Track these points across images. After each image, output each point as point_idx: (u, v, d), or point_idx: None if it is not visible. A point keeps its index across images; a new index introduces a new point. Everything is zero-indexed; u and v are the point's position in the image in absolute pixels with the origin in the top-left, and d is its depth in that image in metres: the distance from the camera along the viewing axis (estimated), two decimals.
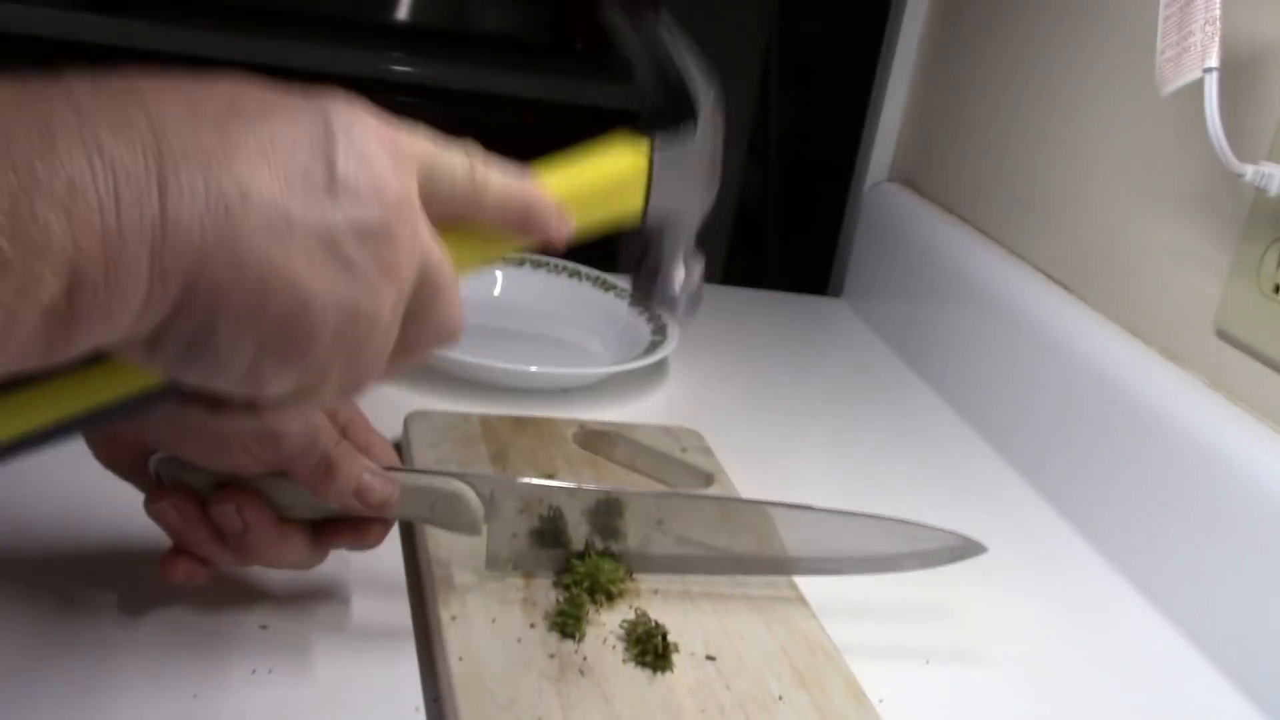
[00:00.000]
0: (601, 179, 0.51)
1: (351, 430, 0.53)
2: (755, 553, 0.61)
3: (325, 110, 0.39)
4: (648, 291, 0.57)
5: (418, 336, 0.43)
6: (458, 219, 0.45)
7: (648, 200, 0.52)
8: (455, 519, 0.55)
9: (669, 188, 0.53)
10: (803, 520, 0.61)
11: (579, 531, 0.59)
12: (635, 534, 0.60)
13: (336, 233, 0.38)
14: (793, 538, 0.61)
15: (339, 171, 0.38)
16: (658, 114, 0.54)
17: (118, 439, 0.52)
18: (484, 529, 0.56)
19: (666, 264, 0.56)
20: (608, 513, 0.59)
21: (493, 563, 0.58)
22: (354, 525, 0.54)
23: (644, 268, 0.57)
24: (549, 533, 0.59)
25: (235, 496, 0.50)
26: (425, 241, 0.41)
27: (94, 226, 0.33)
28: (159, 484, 0.51)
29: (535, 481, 0.58)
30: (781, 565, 0.62)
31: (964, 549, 0.62)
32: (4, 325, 0.32)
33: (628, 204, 0.52)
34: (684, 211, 0.55)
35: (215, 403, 0.41)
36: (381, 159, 0.39)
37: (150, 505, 0.51)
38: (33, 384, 0.40)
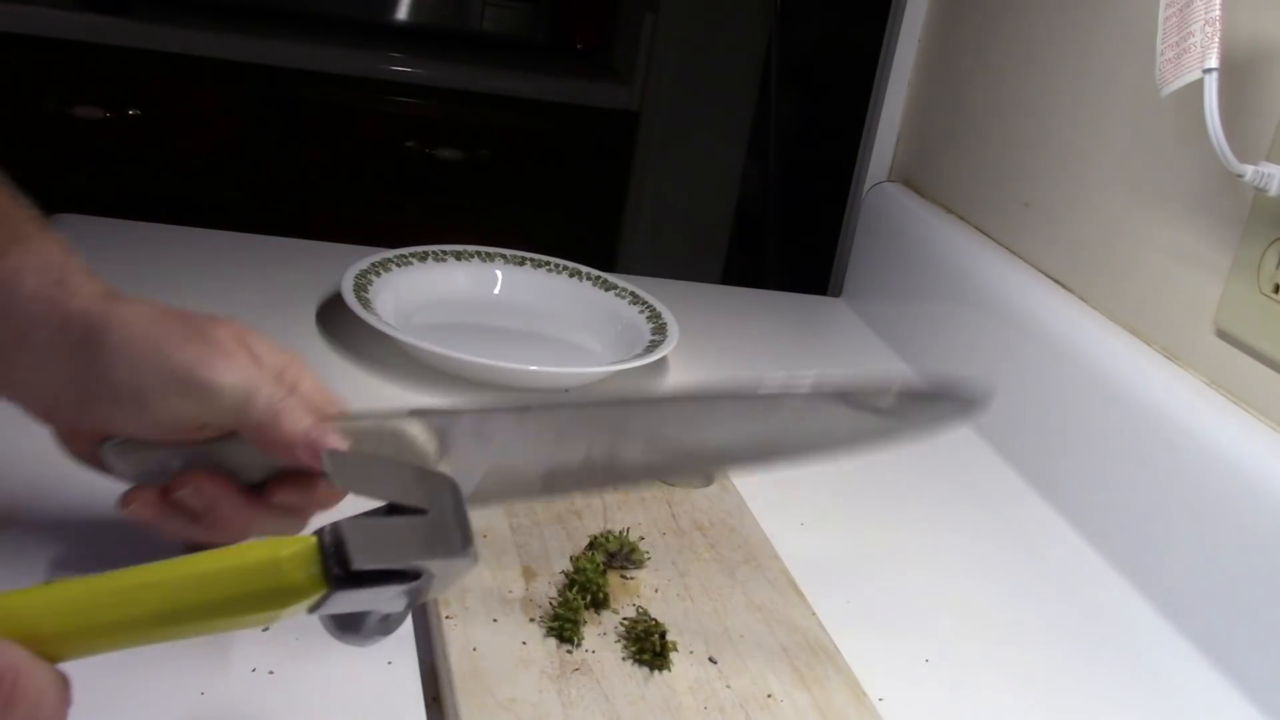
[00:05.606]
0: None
1: (300, 390, 0.52)
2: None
3: None
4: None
5: None
6: None
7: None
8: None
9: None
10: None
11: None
12: (598, 448, 0.54)
13: None
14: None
15: None
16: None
17: (79, 432, 0.53)
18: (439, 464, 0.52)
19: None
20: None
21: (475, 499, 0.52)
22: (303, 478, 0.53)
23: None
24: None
25: (192, 478, 0.51)
26: None
27: None
28: (109, 472, 0.53)
29: (483, 408, 0.54)
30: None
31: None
32: None
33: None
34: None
35: None
36: None
37: (123, 511, 0.52)
38: None
